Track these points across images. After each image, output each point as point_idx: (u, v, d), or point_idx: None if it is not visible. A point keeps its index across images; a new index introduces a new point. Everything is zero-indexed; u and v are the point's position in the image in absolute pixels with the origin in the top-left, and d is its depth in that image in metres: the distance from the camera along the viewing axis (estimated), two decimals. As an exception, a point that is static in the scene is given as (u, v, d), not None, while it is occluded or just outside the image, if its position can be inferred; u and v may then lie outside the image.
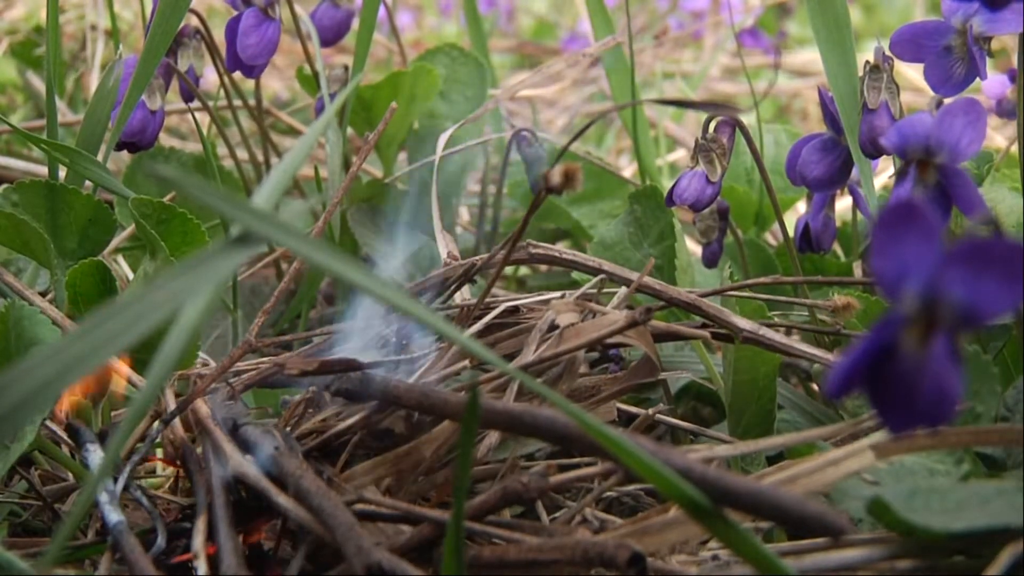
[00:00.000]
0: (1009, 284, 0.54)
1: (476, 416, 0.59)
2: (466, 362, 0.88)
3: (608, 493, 0.93)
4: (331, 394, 0.83)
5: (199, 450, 0.85)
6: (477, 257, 1.00)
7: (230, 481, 0.78)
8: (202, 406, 0.84)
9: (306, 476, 0.75)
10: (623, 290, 0.93)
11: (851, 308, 0.91)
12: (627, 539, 0.66)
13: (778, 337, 0.90)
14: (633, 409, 0.97)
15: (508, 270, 1.59)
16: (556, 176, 0.74)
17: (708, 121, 1.11)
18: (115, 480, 0.86)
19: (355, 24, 1.36)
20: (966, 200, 0.85)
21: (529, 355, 0.84)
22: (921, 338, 0.57)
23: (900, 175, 0.88)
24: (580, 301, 0.89)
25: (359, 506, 0.75)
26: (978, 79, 1.00)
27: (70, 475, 0.94)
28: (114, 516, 0.78)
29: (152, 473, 0.96)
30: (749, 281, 1.02)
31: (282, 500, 0.74)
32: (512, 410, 0.72)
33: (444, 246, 1.12)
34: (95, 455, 0.88)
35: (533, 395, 0.85)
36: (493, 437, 0.83)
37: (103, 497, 0.79)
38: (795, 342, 0.90)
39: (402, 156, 1.50)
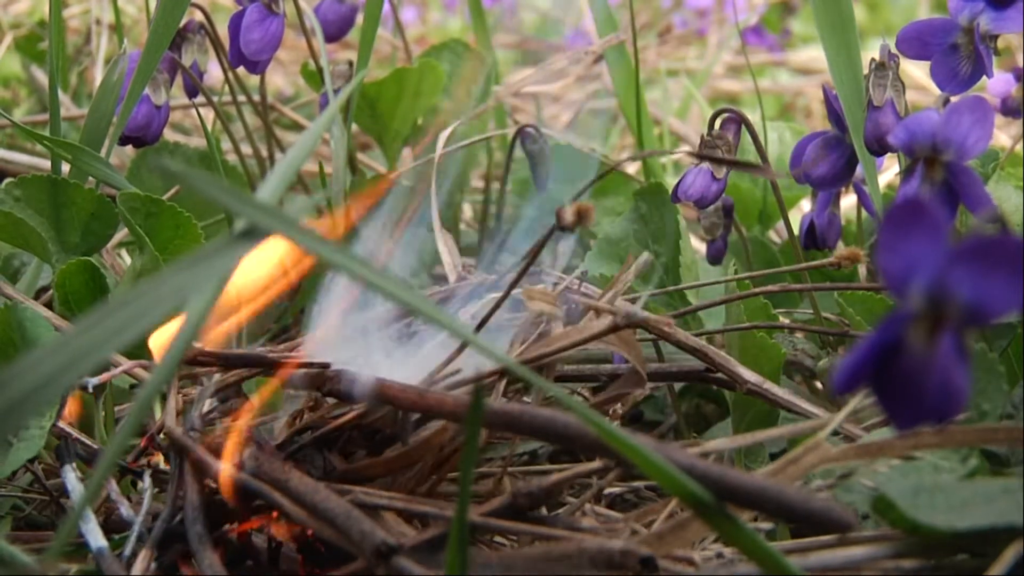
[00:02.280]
0: (1015, 282, 0.54)
1: (479, 416, 0.59)
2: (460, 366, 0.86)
3: (610, 489, 0.93)
4: (322, 395, 0.82)
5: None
6: (485, 277, 0.99)
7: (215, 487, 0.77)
8: (175, 428, 0.83)
9: (292, 478, 0.74)
10: (621, 282, 0.92)
11: (856, 258, 0.90)
12: (635, 542, 0.66)
13: (781, 393, 0.89)
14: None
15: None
16: (569, 214, 0.74)
17: (713, 118, 1.11)
18: (121, 471, 0.86)
19: (359, 20, 1.36)
20: (974, 198, 0.85)
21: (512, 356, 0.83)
22: (928, 335, 0.57)
23: (907, 173, 0.88)
24: (557, 291, 0.88)
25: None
26: (983, 77, 1.00)
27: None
28: (96, 542, 0.77)
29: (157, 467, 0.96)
30: (757, 290, 1.01)
31: (277, 497, 0.74)
32: (511, 410, 0.71)
33: (448, 258, 1.11)
34: (70, 477, 0.87)
35: (519, 392, 0.84)
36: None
37: (84, 526, 0.78)
38: (798, 399, 0.90)
39: (406, 151, 1.50)
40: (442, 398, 0.75)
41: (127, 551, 0.77)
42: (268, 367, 0.86)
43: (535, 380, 0.63)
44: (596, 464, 0.76)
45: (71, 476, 0.87)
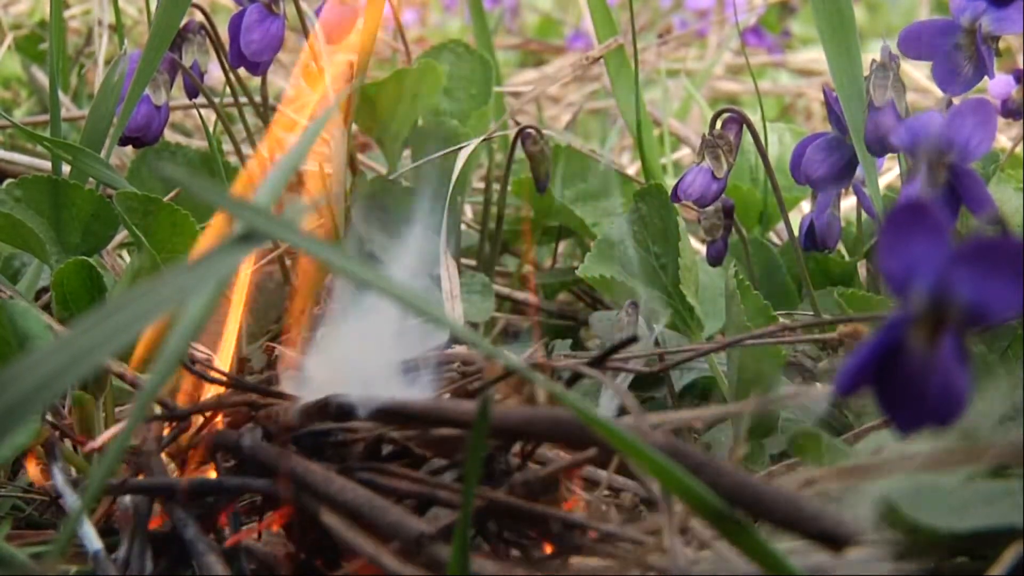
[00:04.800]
0: (1016, 285, 0.54)
1: (487, 421, 0.58)
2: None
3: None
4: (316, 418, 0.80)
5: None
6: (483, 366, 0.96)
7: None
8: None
9: (297, 462, 0.73)
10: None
11: (858, 335, 0.89)
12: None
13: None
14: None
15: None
16: None
17: (715, 118, 1.11)
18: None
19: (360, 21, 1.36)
20: (976, 200, 0.85)
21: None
22: (929, 337, 0.57)
23: (910, 174, 0.88)
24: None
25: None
26: (984, 80, 1.00)
27: (73, 469, 0.94)
28: (92, 545, 0.77)
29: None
30: (756, 332, 1.00)
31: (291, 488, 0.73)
32: (521, 414, 0.70)
33: (448, 286, 1.10)
34: (59, 479, 0.86)
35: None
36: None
37: (80, 528, 0.78)
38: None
39: (406, 153, 1.49)
40: (454, 406, 0.74)
41: (122, 553, 0.77)
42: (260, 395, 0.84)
43: (552, 388, 0.63)
44: (593, 452, 0.75)
45: (60, 478, 0.86)
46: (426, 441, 0.76)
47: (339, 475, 0.72)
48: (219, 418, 0.85)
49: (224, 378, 0.86)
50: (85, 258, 1.04)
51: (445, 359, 0.84)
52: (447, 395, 0.80)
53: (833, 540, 0.61)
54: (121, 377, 0.92)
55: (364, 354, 0.80)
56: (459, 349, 0.90)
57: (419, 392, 0.79)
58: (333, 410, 0.76)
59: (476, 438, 0.60)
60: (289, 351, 1.05)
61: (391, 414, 0.75)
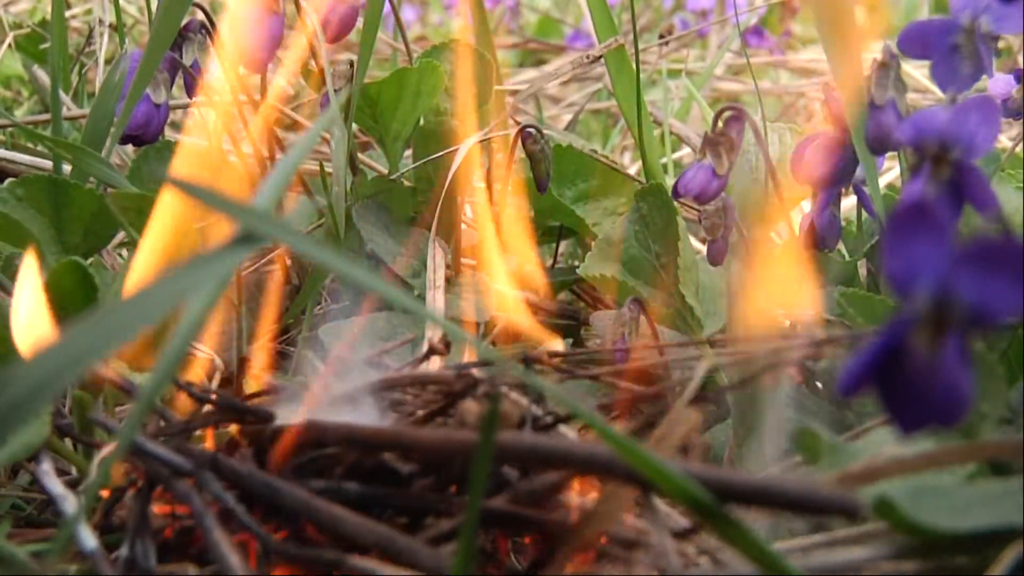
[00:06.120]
0: (1016, 286, 0.54)
1: (491, 443, 0.57)
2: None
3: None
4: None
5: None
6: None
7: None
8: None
9: (284, 486, 0.72)
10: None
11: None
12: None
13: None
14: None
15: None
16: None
17: (717, 116, 1.11)
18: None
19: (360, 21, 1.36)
20: (980, 198, 0.85)
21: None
22: (932, 338, 0.57)
23: (913, 171, 0.88)
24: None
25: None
26: (984, 79, 1.00)
27: (74, 469, 0.94)
28: (89, 543, 0.76)
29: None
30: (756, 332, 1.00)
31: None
32: (510, 437, 0.69)
33: (432, 274, 1.09)
34: (53, 482, 0.86)
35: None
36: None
37: (80, 528, 0.77)
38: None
39: (407, 153, 1.49)
40: (417, 435, 0.72)
41: (125, 552, 0.76)
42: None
43: (551, 390, 0.63)
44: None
45: (53, 480, 0.86)
46: (408, 459, 0.74)
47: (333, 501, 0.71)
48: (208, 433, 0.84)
49: (213, 397, 0.85)
50: (78, 259, 1.04)
51: (421, 379, 0.83)
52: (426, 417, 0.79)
53: (845, 511, 0.61)
54: (117, 384, 0.92)
55: (352, 368, 0.80)
56: (432, 368, 0.89)
57: (394, 415, 0.78)
58: (313, 435, 0.75)
59: (480, 460, 0.59)
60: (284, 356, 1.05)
61: (355, 445, 0.73)
